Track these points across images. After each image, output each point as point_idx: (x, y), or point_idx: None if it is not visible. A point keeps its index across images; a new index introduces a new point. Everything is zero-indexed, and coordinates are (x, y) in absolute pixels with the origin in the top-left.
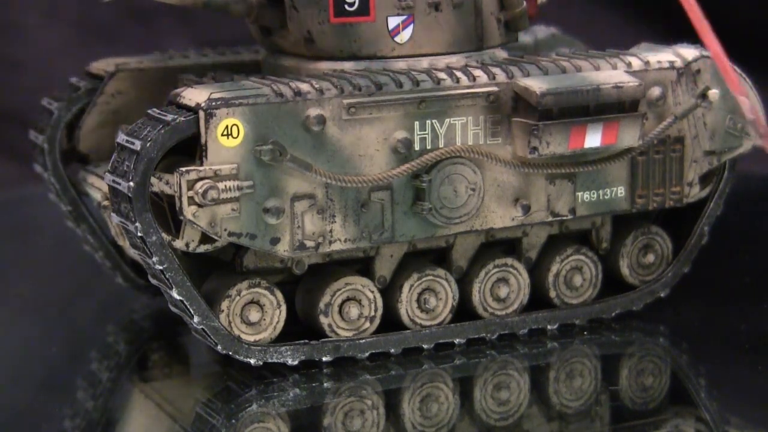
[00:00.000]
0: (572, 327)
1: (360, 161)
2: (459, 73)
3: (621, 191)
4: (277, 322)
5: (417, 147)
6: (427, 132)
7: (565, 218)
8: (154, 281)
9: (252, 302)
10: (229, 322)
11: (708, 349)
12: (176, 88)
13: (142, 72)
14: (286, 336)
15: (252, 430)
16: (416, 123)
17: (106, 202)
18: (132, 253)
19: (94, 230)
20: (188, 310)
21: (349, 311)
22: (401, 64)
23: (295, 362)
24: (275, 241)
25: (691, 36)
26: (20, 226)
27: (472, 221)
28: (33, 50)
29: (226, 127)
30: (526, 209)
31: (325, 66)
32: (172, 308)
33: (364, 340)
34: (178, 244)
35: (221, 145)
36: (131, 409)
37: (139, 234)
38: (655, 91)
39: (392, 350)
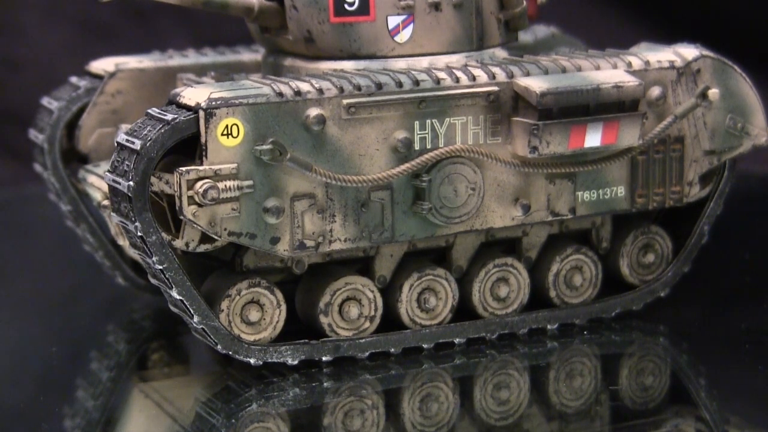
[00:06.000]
0: (572, 327)
1: (360, 161)
2: (459, 73)
3: (621, 191)
4: (277, 322)
5: (417, 146)
6: (427, 132)
7: (565, 218)
8: (154, 281)
9: (252, 302)
10: (229, 322)
11: (708, 349)
12: (176, 87)
13: (142, 72)
14: (286, 335)
15: (252, 429)
16: (416, 123)
17: (106, 202)
18: (132, 252)
19: (94, 230)
20: (188, 309)
21: (349, 311)
22: (401, 64)
23: (295, 362)
24: (275, 240)
25: (691, 36)
26: (20, 226)
27: (472, 221)
28: (33, 50)
29: (226, 126)
30: (526, 209)
31: (325, 66)
32: (172, 308)
33: (364, 340)
34: (178, 243)
35: (221, 144)
36: (131, 409)
37: (139, 233)
38: (655, 91)
39: (392, 350)
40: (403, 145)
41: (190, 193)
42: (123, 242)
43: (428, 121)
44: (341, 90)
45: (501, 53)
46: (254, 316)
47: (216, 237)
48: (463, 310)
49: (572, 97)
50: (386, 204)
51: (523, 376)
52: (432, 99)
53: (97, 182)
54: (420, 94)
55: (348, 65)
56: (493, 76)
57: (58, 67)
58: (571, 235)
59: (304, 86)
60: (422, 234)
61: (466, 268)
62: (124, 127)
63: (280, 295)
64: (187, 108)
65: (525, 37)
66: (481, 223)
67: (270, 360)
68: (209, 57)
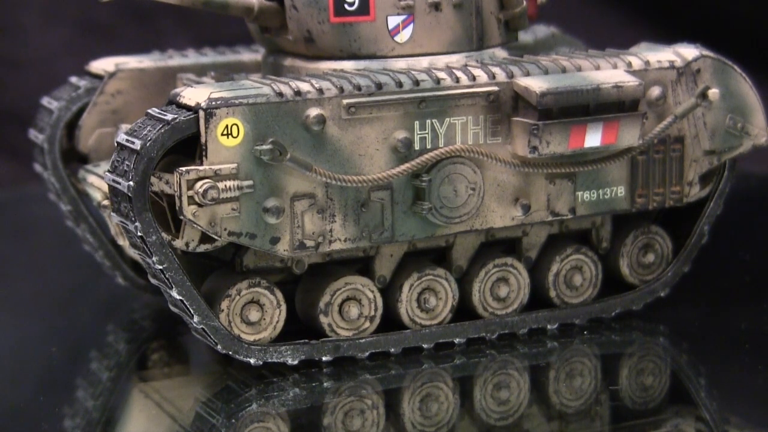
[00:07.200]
0: (572, 327)
1: (360, 161)
2: (459, 73)
3: (621, 191)
4: (277, 322)
5: (417, 146)
6: (427, 131)
7: (565, 218)
8: (154, 281)
9: (252, 302)
10: (229, 322)
11: (708, 349)
12: (176, 87)
13: (142, 72)
14: (286, 335)
15: (252, 429)
16: (416, 122)
17: (106, 202)
18: (132, 252)
19: (94, 230)
20: (188, 309)
21: (349, 311)
22: (401, 64)
23: (295, 362)
24: (275, 240)
25: (691, 36)
26: (20, 226)
27: (472, 221)
28: (33, 50)
29: (226, 126)
30: (526, 209)
31: (325, 66)
32: (172, 308)
33: (364, 340)
34: (178, 243)
35: (221, 144)
36: (131, 409)
37: (139, 233)
38: (655, 91)
39: (392, 350)
40: (403, 145)
41: (190, 193)
42: (123, 242)
43: (428, 121)
44: (341, 90)
45: (501, 53)
46: (254, 316)
47: (216, 237)
48: (463, 310)
49: (572, 97)
50: (386, 204)
51: (523, 376)
52: (432, 99)
53: (97, 182)
54: (420, 94)
55: (348, 65)
56: (493, 76)
57: (58, 67)
58: (571, 235)
59: (304, 86)
60: (422, 234)
61: (466, 268)
62: (124, 127)
63: (280, 295)
64: (187, 108)
65: (525, 37)
66: (481, 223)
67: (270, 360)
68: (209, 57)
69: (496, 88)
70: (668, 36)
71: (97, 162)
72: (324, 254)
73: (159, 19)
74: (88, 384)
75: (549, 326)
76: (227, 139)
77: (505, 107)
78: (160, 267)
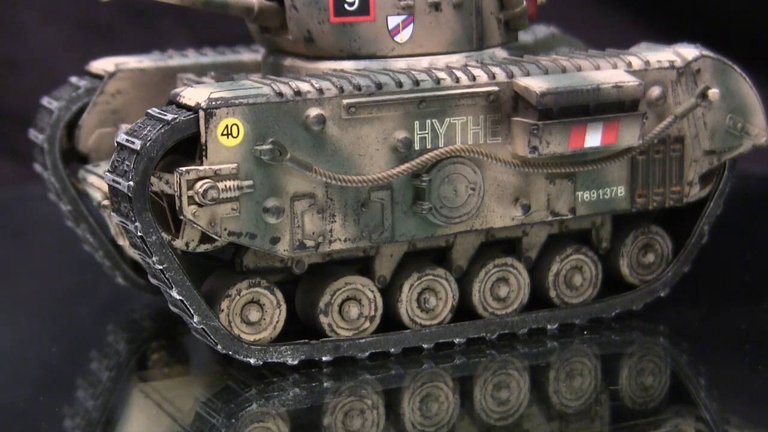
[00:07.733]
0: (572, 327)
1: (360, 161)
2: (459, 73)
3: (621, 191)
4: (277, 322)
5: (417, 146)
6: (427, 131)
7: (565, 218)
8: (154, 281)
9: (252, 302)
10: (229, 322)
11: (708, 349)
12: (176, 87)
13: (142, 72)
14: (286, 335)
15: (252, 429)
16: (416, 122)
17: (106, 202)
18: (132, 252)
19: (94, 230)
20: (188, 309)
21: (349, 311)
22: (401, 64)
23: (295, 362)
24: (275, 240)
25: (691, 36)
26: (20, 226)
27: (472, 221)
28: (33, 50)
29: (226, 126)
30: (526, 209)
31: (325, 66)
32: (172, 308)
33: (364, 340)
34: (178, 243)
35: (221, 144)
36: (131, 409)
37: (139, 233)
38: (655, 91)
39: (392, 350)
40: (403, 145)
41: (190, 193)
42: (123, 242)
43: (428, 121)
44: (341, 90)
45: (501, 53)
46: (254, 316)
47: (216, 237)
48: (463, 310)
49: (572, 97)
50: (386, 204)
51: (523, 376)
52: (432, 99)
53: (97, 182)
54: (420, 94)
55: (348, 65)
56: (493, 76)
57: (58, 67)
58: (571, 235)
59: (304, 86)
60: (422, 234)
61: (466, 268)
62: (124, 127)
63: (280, 295)
64: (187, 108)
65: (525, 37)
66: (481, 223)
67: (270, 360)
68: (209, 57)
69: (496, 88)
70: (668, 36)
71: (97, 162)
72: (324, 254)
73: (159, 19)
74: (88, 384)
75: (549, 326)
76: (227, 139)
77: (505, 107)
78: (160, 267)
